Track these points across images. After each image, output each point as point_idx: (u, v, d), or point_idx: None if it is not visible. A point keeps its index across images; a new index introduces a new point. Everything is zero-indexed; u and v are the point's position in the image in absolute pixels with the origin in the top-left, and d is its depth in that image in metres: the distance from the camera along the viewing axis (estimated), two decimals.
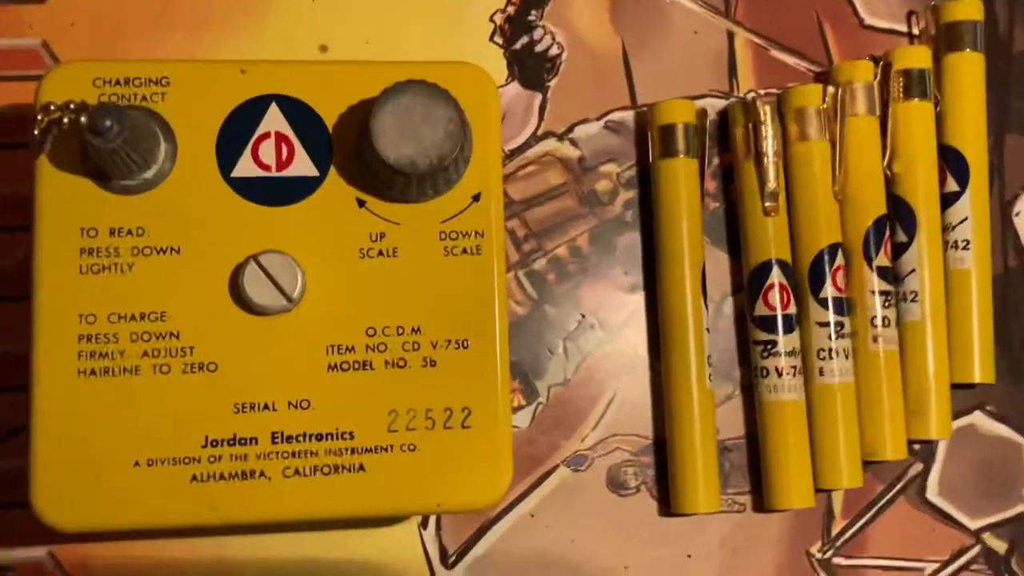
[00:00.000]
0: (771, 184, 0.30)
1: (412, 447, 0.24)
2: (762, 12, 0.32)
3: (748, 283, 0.30)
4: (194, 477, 0.23)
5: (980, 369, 0.30)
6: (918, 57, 0.31)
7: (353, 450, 0.23)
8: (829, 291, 0.30)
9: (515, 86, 0.31)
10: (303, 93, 0.24)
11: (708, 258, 0.31)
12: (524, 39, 0.31)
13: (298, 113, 0.24)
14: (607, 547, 0.29)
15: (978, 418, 0.32)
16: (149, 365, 0.23)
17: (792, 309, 0.30)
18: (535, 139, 0.31)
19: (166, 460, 0.23)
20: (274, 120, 0.24)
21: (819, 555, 0.30)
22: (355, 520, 0.28)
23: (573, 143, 0.31)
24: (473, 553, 0.29)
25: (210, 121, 0.24)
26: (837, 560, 0.31)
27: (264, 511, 0.23)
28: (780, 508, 0.30)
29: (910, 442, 0.30)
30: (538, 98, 0.31)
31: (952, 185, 0.31)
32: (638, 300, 0.31)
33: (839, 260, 0.30)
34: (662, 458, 0.30)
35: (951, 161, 0.31)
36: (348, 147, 0.24)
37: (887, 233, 0.30)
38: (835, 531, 0.31)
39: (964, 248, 0.31)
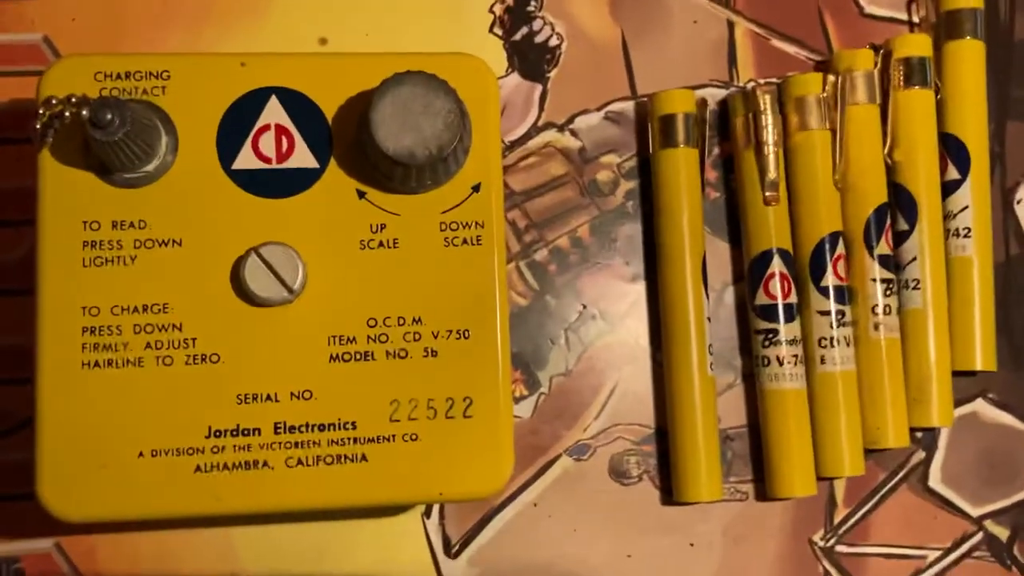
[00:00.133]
0: (771, 173, 0.30)
1: (414, 437, 0.24)
2: (762, 1, 0.32)
3: (749, 272, 0.30)
4: (198, 468, 0.23)
5: (982, 357, 0.30)
6: (918, 45, 0.31)
7: (355, 440, 0.24)
8: (830, 280, 0.30)
9: (515, 77, 0.31)
10: (303, 85, 0.25)
11: (709, 248, 0.31)
12: (524, 30, 0.31)
13: (298, 105, 0.24)
14: (610, 536, 0.30)
15: (980, 406, 0.32)
16: (152, 357, 0.23)
17: (793, 298, 0.30)
18: (535, 130, 0.31)
19: (170, 451, 0.23)
20: (274, 112, 0.24)
21: (822, 543, 0.31)
22: (358, 510, 0.29)
23: (573, 134, 0.31)
24: (477, 542, 0.29)
25: (210, 114, 0.24)
26: (840, 548, 0.31)
27: (268, 501, 0.23)
28: (782, 496, 0.30)
29: (912, 430, 0.30)
30: (538, 89, 0.31)
31: (953, 173, 0.31)
32: (639, 290, 0.31)
33: (840, 249, 0.30)
34: (664, 447, 0.30)
35: (952, 149, 0.31)
36: (348, 139, 0.24)
37: (888, 221, 0.30)
38: (837, 519, 0.31)
39: (965, 236, 0.31)
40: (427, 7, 0.31)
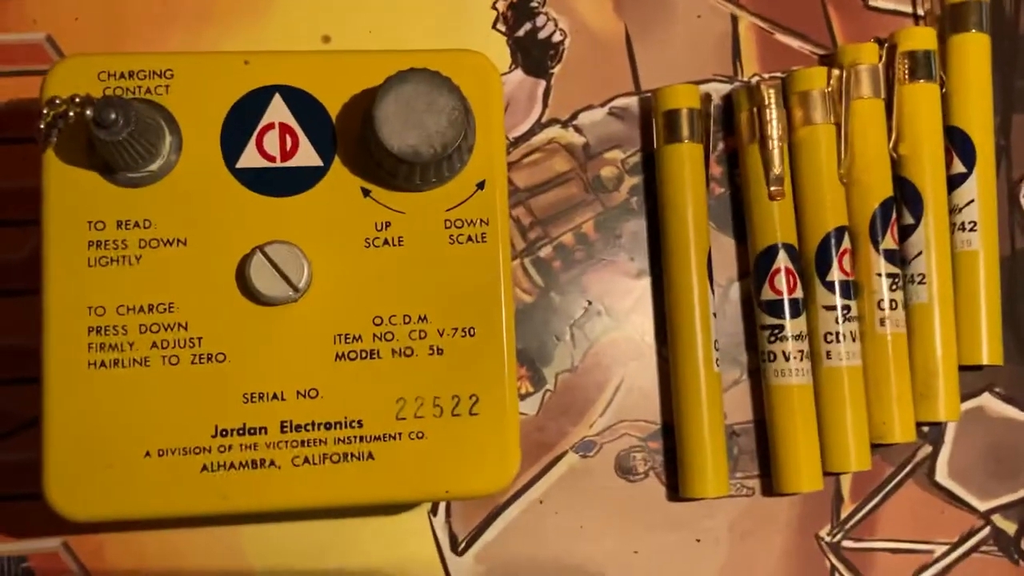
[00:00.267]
0: (776, 168, 0.30)
1: (420, 435, 0.24)
2: None
3: (754, 268, 0.30)
4: (205, 467, 0.23)
5: (988, 351, 0.30)
6: (923, 38, 0.31)
7: (362, 438, 0.24)
8: (836, 274, 0.30)
9: (519, 73, 0.31)
10: (306, 83, 0.25)
11: (714, 243, 0.31)
12: (527, 26, 0.31)
13: (302, 103, 0.24)
14: (616, 532, 0.30)
15: (987, 400, 0.32)
16: (158, 356, 0.23)
17: (799, 293, 0.30)
18: (539, 126, 0.31)
19: (177, 450, 0.23)
20: (278, 111, 0.24)
21: (828, 538, 0.31)
22: (365, 508, 0.29)
23: (577, 130, 0.31)
24: (483, 539, 0.29)
25: (214, 113, 0.24)
26: (846, 543, 0.31)
27: (274, 500, 0.23)
28: (789, 492, 0.30)
29: (919, 424, 0.30)
30: (542, 85, 0.31)
31: (959, 167, 0.31)
32: (644, 286, 0.31)
33: (845, 243, 0.30)
34: (670, 443, 0.30)
35: (957, 142, 0.31)
36: (352, 137, 0.24)
37: (894, 216, 0.30)
38: (844, 514, 0.31)
39: (971, 230, 0.31)
40: (430, 4, 0.31)
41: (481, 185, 0.25)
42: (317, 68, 0.25)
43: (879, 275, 0.30)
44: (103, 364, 0.23)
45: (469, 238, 0.25)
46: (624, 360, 0.30)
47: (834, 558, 0.30)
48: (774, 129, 0.30)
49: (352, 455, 0.24)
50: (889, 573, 0.31)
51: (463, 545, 0.29)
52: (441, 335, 0.24)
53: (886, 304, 0.30)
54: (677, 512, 0.30)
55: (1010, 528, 0.31)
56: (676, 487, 0.30)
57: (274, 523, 0.28)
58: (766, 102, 0.30)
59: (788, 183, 0.30)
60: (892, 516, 0.31)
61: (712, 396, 0.29)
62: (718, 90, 0.32)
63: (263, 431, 0.23)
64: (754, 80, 0.32)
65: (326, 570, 0.28)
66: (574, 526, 0.30)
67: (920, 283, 0.30)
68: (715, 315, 0.30)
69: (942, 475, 0.31)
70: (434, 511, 0.29)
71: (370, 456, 0.24)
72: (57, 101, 0.23)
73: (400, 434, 0.24)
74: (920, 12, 0.33)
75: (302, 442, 0.23)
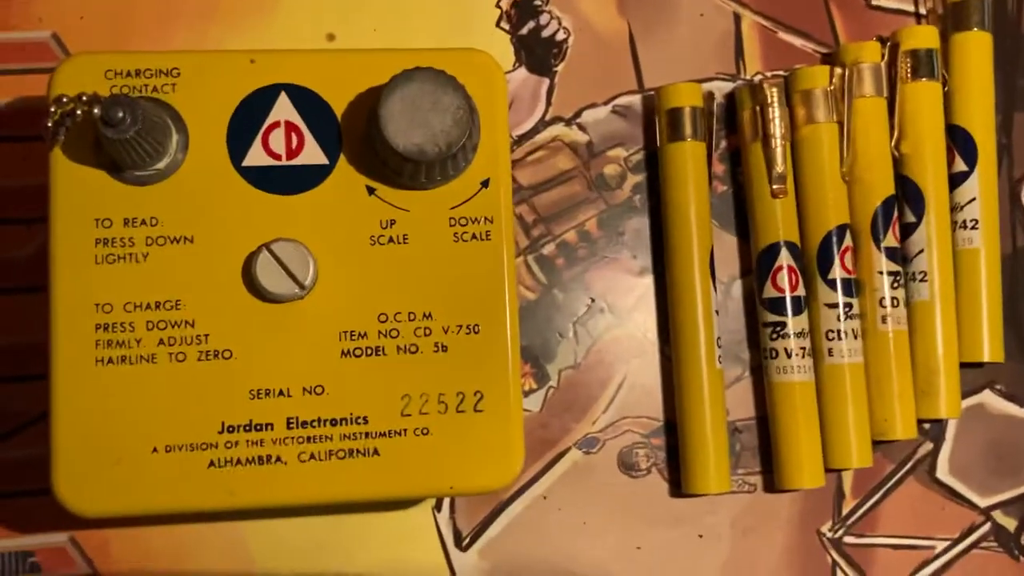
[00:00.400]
0: (779, 166, 0.30)
1: (425, 431, 0.24)
2: None
3: (757, 265, 0.30)
4: (212, 463, 0.23)
5: (989, 348, 0.31)
6: (925, 37, 0.31)
7: (367, 434, 0.24)
8: (838, 272, 0.30)
9: (522, 71, 0.31)
10: (312, 82, 0.25)
11: (716, 241, 0.31)
12: (531, 24, 0.31)
13: (307, 102, 0.25)
14: (619, 528, 0.30)
15: (987, 397, 0.32)
16: (165, 353, 0.23)
17: (801, 291, 0.30)
18: (543, 124, 0.31)
19: (184, 446, 0.23)
20: (284, 109, 0.25)
21: (830, 534, 0.31)
22: (370, 504, 0.29)
23: (581, 128, 0.31)
24: (487, 535, 0.29)
25: (220, 111, 0.24)
26: (848, 539, 0.31)
27: (281, 495, 0.24)
28: (791, 488, 0.30)
29: (920, 421, 0.31)
30: (545, 83, 0.31)
31: (960, 165, 0.31)
32: (647, 283, 0.31)
33: (847, 241, 0.30)
34: (673, 440, 0.30)
35: (959, 141, 0.31)
36: (357, 135, 0.25)
37: (895, 214, 0.30)
38: (845, 510, 0.31)
39: (973, 228, 0.31)
40: (434, 2, 0.31)
41: (485, 183, 0.25)
42: (323, 67, 0.25)
43: (881, 273, 0.30)
44: (110, 361, 0.23)
45: (473, 236, 0.25)
46: (627, 357, 0.31)
47: (835, 554, 0.31)
48: (777, 127, 0.30)
49: (358, 451, 0.24)
50: (890, 569, 0.31)
51: (467, 541, 0.29)
52: (446, 332, 0.24)
53: (888, 302, 0.30)
54: (679, 508, 0.30)
55: (1010, 524, 0.31)
56: (678, 483, 0.30)
57: (278, 519, 0.29)
58: (769, 101, 0.30)
59: (790, 181, 0.30)
60: (893, 512, 0.31)
61: (714, 393, 0.29)
62: (721, 88, 0.32)
63: (269, 427, 0.24)
64: (757, 79, 0.32)
65: (330, 565, 0.29)
66: (577, 522, 0.30)
67: (921, 281, 0.30)
68: (717, 312, 0.30)
69: (943, 472, 0.31)
70: (438, 507, 0.29)
71: (375, 452, 0.24)
72: (64, 99, 0.23)
73: (405, 430, 0.24)
74: (922, 11, 0.33)
75: (308, 438, 0.24)
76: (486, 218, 0.25)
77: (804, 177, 0.30)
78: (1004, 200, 0.32)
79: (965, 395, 0.31)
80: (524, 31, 0.31)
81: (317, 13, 0.31)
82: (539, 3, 0.32)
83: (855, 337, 0.30)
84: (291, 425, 0.24)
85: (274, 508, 0.25)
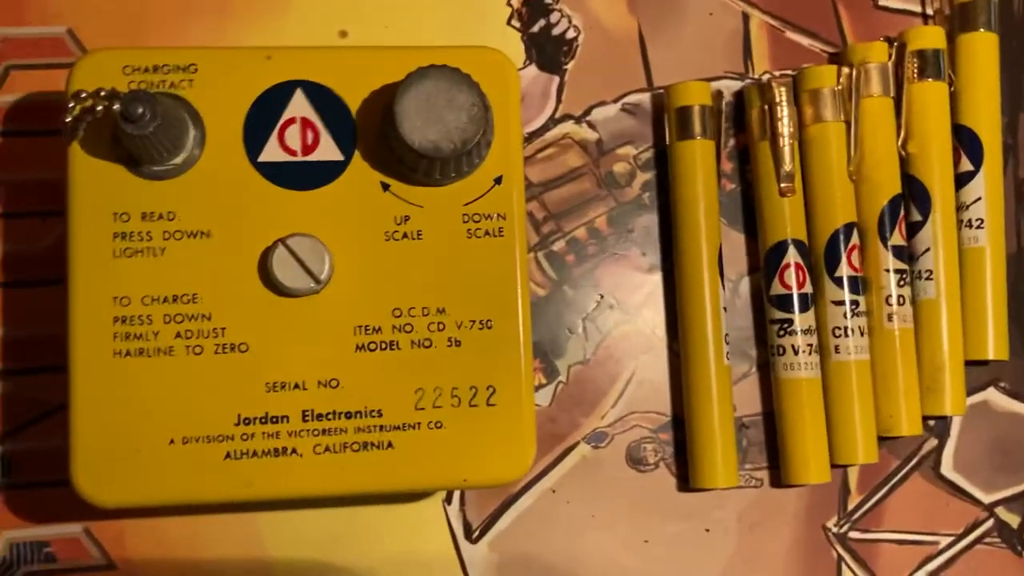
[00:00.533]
0: (787, 165, 0.30)
1: (439, 424, 0.24)
2: None
3: (764, 263, 0.31)
4: (228, 454, 0.24)
5: (994, 346, 0.31)
6: (932, 37, 0.31)
7: (381, 427, 0.24)
8: (844, 270, 0.30)
9: (533, 69, 0.32)
10: (327, 79, 0.25)
11: (724, 238, 0.31)
12: (541, 22, 0.32)
13: (323, 98, 0.25)
14: (627, 522, 0.30)
15: (992, 394, 0.32)
16: (182, 346, 0.24)
17: (808, 288, 0.30)
18: (553, 122, 0.31)
19: (201, 438, 0.24)
20: (299, 105, 0.25)
21: (835, 529, 0.31)
22: (382, 496, 0.29)
23: (591, 125, 0.32)
24: (496, 527, 0.30)
25: (237, 107, 0.25)
26: (853, 534, 0.31)
27: (296, 487, 0.24)
28: (797, 483, 0.30)
29: (925, 418, 0.31)
30: (556, 81, 0.32)
31: (966, 164, 0.31)
32: (656, 280, 0.31)
33: (854, 239, 0.30)
34: (680, 435, 0.31)
35: (965, 141, 0.31)
36: (372, 131, 0.25)
37: (902, 212, 0.31)
38: (851, 506, 0.31)
39: (978, 227, 0.31)
40: (446, 0, 0.31)
41: (498, 180, 0.25)
42: (338, 63, 0.25)
43: (887, 271, 0.30)
44: (128, 353, 0.24)
45: (486, 232, 0.25)
46: (635, 353, 0.31)
47: (841, 549, 0.31)
48: (785, 126, 0.30)
49: (372, 444, 0.24)
50: (895, 564, 0.31)
51: (477, 533, 0.30)
52: (459, 327, 0.25)
53: (894, 300, 0.30)
54: (687, 502, 0.30)
55: (1013, 520, 0.32)
56: (686, 478, 0.30)
57: (291, 511, 0.29)
58: (777, 100, 0.30)
59: (798, 180, 0.31)
60: (898, 508, 0.31)
61: (722, 389, 0.30)
62: (729, 87, 0.32)
63: (285, 420, 0.24)
64: (765, 77, 0.32)
65: (342, 556, 0.29)
66: (585, 515, 0.30)
67: (927, 279, 0.31)
68: (726, 309, 0.30)
69: (947, 468, 0.32)
70: (448, 500, 0.30)
71: (390, 445, 0.24)
72: (83, 95, 0.23)
73: (419, 424, 0.24)
74: (929, 11, 0.33)
75: (323, 431, 0.24)
76: (499, 214, 0.25)
77: (812, 176, 0.31)
78: (1009, 199, 0.33)
79: (970, 392, 0.32)
80: (535, 29, 0.32)
81: (330, 10, 0.31)
82: (550, 1, 0.32)
83: (861, 334, 0.30)
84: (306, 418, 0.24)
85: (289, 499, 0.26)
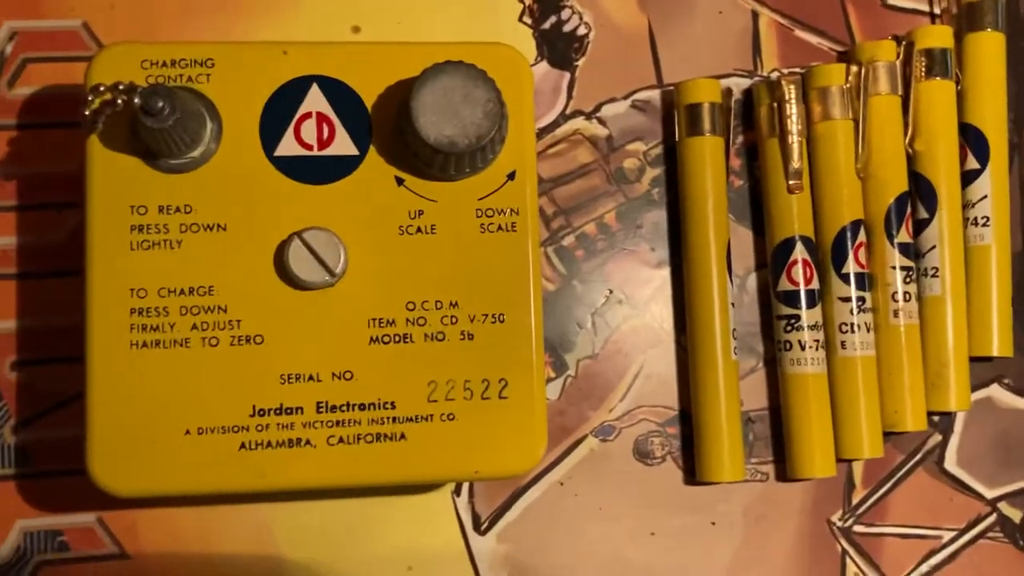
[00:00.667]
0: (795, 162, 0.30)
1: (451, 416, 0.25)
2: None
3: (772, 259, 0.31)
4: (243, 445, 0.24)
5: (998, 343, 0.31)
6: (940, 36, 0.32)
7: (395, 419, 0.24)
8: (851, 267, 0.30)
9: (544, 66, 0.32)
10: (343, 74, 0.25)
11: (732, 234, 0.31)
12: (552, 19, 0.32)
13: (338, 93, 0.25)
14: (634, 514, 0.30)
15: (996, 391, 0.32)
16: (198, 338, 0.24)
17: (815, 284, 0.30)
18: (563, 118, 0.32)
19: (216, 429, 0.24)
20: (315, 100, 0.25)
21: (840, 523, 0.31)
22: (392, 488, 0.29)
23: (601, 122, 0.32)
24: (505, 519, 0.30)
25: (254, 101, 0.25)
26: (857, 528, 0.31)
27: (310, 478, 0.24)
28: (802, 477, 0.30)
29: (929, 414, 0.31)
30: (566, 77, 0.32)
31: (972, 163, 0.32)
32: (664, 275, 0.31)
33: (861, 236, 0.31)
34: (687, 429, 0.31)
35: (972, 139, 0.32)
36: (387, 126, 0.25)
37: (908, 210, 0.31)
38: (856, 500, 0.32)
39: (984, 225, 0.31)
40: None
41: (512, 176, 0.25)
42: (354, 59, 0.25)
43: (893, 268, 0.31)
44: (145, 345, 0.24)
45: (499, 227, 0.25)
46: (643, 347, 0.31)
47: (845, 542, 0.31)
48: (794, 124, 0.30)
49: (385, 435, 0.24)
50: (898, 558, 0.31)
51: (485, 525, 0.30)
52: (472, 321, 0.25)
53: (900, 296, 0.31)
54: (693, 496, 0.31)
55: (1016, 515, 0.32)
56: (693, 471, 0.31)
57: (302, 502, 0.29)
58: (786, 97, 0.31)
59: (806, 177, 0.31)
60: (902, 502, 0.32)
61: (729, 383, 0.30)
62: (738, 84, 0.32)
63: (299, 411, 0.24)
64: (774, 75, 0.32)
65: (353, 548, 0.29)
66: (593, 507, 0.30)
67: (933, 276, 0.31)
68: (733, 305, 0.30)
69: (951, 463, 0.32)
70: (457, 491, 0.30)
71: (403, 437, 0.24)
72: (101, 88, 0.23)
73: (432, 416, 0.25)
74: (937, 10, 0.33)
75: (337, 422, 0.24)
76: (512, 209, 0.25)
77: (819, 173, 0.31)
78: (1015, 197, 0.33)
79: (974, 388, 0.32)
80: (546, 25, 0.32)
81: (342, 5, 0.31)
82: None
83: (868, 330, 0.30)
84: (321, 409, 0.24)
85: (302, 490, 0.26)
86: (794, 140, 0.31)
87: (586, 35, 0.32)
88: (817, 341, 0.30)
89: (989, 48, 0.32)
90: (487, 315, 0.25)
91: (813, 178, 0.31)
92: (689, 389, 0.31)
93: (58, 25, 0.30)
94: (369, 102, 0.25)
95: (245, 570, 0.29)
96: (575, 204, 0.31)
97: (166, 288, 0.24)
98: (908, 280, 0.31)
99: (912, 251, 0.31)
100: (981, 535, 0.32)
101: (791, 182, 0.31)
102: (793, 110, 0.31)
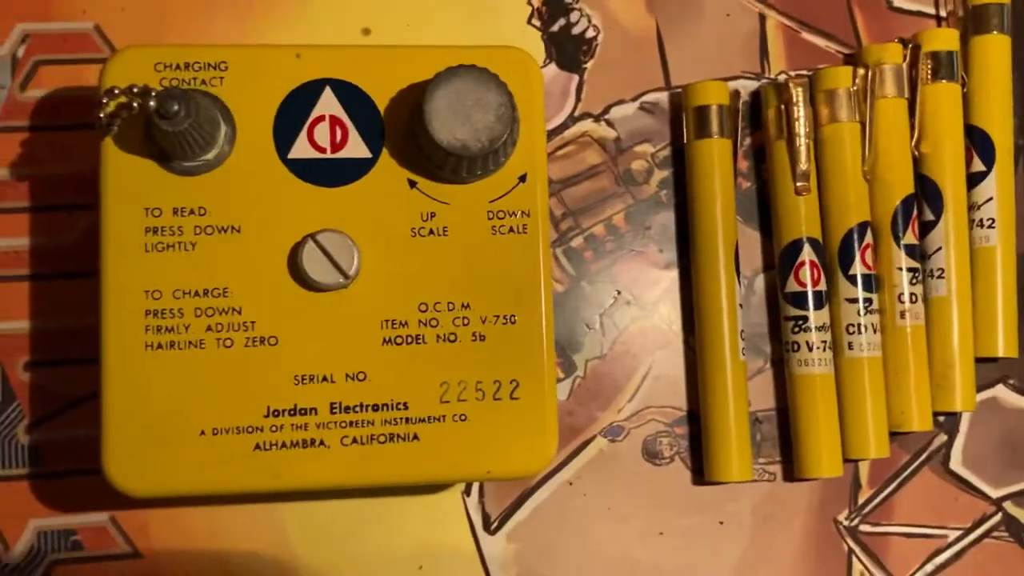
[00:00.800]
0: (803, 164, 0.31)
1: (463, 417, 0.25)
2: None
3: (780, 260, 0.31)
4: (257, 445, 0.24)
5: (1004, 344, 0.31)
6: (946, 39, 0.32)
7: (407, 420, 0.25)
8: (858, 268, 0.31)
9: (553, 68, 0.32)
10: (356, 77, 0.25)
11: (740, 236, 0.31)
12: (561, 21, 0.32)
13: (351, 96, 0.25)
14: (642, 514, 0.31)
15: (1001, 391, 0.33)
16: (213, 339, 0.24)
17: (823, 285, 0.31)
18: (572, 120, 0.32)
19: (231, 429, 0.24)
20: (328, 103, 0.25)
21: (846, 522, 0.32)
22: (403, 488, 0.30)
23: (609, 124, 0.32)
24: (515, 519, 0.30)
25: (267, 104, 0.25)
26: (864, 527, 0.32)
27: (323, 478, 0.24)
28: (809, 477, 0.31)
29: (935, 414, 0.31)
30: (575, 79, 0.32)
31: (978, 165, 0.32)
32: (672, 277, 0.32)
33: (868, 238, 0.31)
34: (695, 429, 0.31)
35: (977, 141, 0.32)
36: (400, 130, 0.25)
37: (915, 212, 0.31)
38: (862, 499, 0.32)
39: (989, 226, 0.32)
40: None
41: (523, 178, 0.26)
42: (366, 62, 0.25)
43: (900, 269, 0.31)
44: (160, 346, 0.24)
45: (511, 229, 0.25)
46: (652, 348, 0.31)
47: (851, 541, 0.32)
48: (801, 126, 0.31)
49: (398, 436, 0.25)
50: (904, 557, 0.32)
51: (495, 524, 0.30)
52: (483, 322, 0.25)
53: (906, 297, 0.31)
54: (701, 495, 0.31)
55: (1021, 515, 0.32)
56: (701, 471, 0.31)
57: (313, 501, 0.29)
58: (794, 100, 0.31)
59: (813, 179, 0.31)
60: (908, 502, 0.32)
61: (737, 384, 0.30)
62: (746, 87, 0.33)
63: (313, 412, 0.24)
64: (782, 78, 0.33)
65: (363, 547, 0.29)
66: (602, 507, 0.31)
67: (939, 277, 0.31)
68: (741, 306, 0.31)
69: (956, 463, 0.32)
70: (467, 491, 0.30)
71: (415, 437, 0.25)
72: (116, 91, 0.23)
73: (444, 416, 0.25)
74: (943, 13, 0.34)
75: (350, 423, 0.24)
76: (523, 212, 0.26)
77: (827, 175, 0.31)
78: (1020, 199, 0.33)
79: (979, 389, 0.32)
80: (555, 28, 0.32)
81: (353, 7, 0.31)
82: (569, 1, 0.32)
83: (874, 331, 0.31)
84: (334, 410, 0.24)
85: (316, 490, 0.26)
86: (801, 142, 0.31)
87: (594, 38, 0.32)
88: (824, 342, 0.30)
89: (995, 51, 0.32)
90: (499, 316, 0.25)
91: (820, 180, 0.31)
92: (697, 390, 0.31)
93: (70, 27, 0.30)
94: (382, 105, 0.25)
95: (256, 569, 0.29)
96: (584, 205, 0.32)
97: (181, 290, 0.24)
98: (914, 281, 0.31)
99: (918, 253, 0.31)
100: (986, 534, 0.32)
101: (798, 184, 0.31)
102: (800, 112, 0.31)
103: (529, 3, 0.32)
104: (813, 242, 0.31)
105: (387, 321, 0.25)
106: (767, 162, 0.32)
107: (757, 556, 0.31)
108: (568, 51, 0.32)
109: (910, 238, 0.31)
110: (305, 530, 0.29)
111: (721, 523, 0.31)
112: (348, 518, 0.29)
